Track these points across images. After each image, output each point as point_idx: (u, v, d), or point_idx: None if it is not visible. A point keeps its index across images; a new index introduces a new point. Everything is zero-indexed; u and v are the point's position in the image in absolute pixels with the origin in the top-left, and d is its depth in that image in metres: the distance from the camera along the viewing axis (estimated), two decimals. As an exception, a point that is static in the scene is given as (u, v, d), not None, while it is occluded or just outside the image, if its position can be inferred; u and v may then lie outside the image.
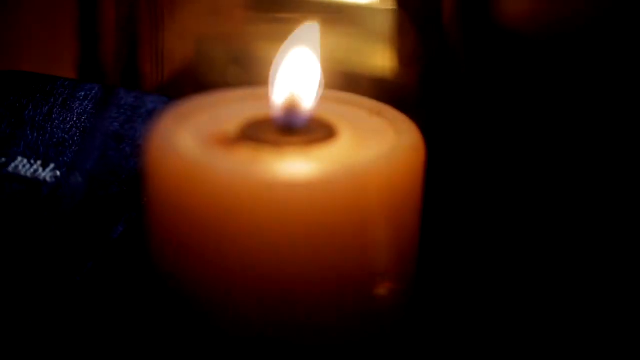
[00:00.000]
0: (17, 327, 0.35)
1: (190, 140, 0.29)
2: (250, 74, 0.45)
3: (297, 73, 0.29)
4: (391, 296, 0.28)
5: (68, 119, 0.43)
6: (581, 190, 0.38)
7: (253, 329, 0.28)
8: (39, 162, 0.41)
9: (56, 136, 0.42)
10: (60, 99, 0.44)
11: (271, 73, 0.29)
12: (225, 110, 0.31)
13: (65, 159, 0.41)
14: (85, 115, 0.44)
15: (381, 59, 0.41)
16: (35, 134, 0.42)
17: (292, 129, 0.29)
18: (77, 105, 0.44)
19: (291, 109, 0.29)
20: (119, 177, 0.41)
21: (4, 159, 0.41)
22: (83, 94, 0.45)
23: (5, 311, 0.35)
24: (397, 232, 0.28)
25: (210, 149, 0.28)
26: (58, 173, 0.41)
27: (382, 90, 0.37)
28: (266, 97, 0.31)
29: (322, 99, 0.30)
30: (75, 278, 0.37)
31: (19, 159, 0.41)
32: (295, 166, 0.27)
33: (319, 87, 0.29)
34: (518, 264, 0.37)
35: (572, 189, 0.38)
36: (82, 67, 0.60)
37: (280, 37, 0.46)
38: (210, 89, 0.33)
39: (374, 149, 0.28)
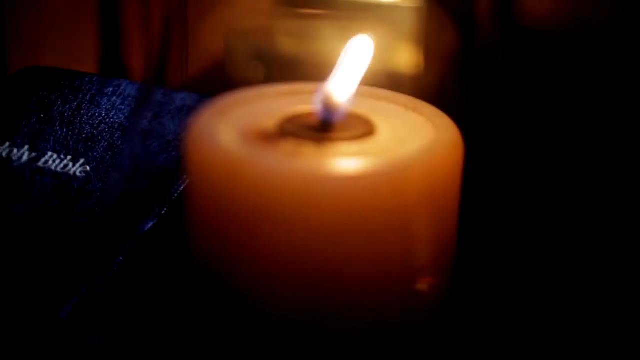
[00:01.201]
0: (46, 323, 0.35)
1: (231, 134, 0.29)
2: (276, 70, 0.46)
3: (340, 70, 0.30)
4: (431, 291, 0.28)
5: (97, 114, 0.44)
6: (611, 187, 0.38)
7: (294, 322, 0.28)
8: (68, 157, 0.41)
9: (85, 131, 0.43)
10: (89, 95, 0.45)
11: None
12: (262, 106, 0.31)
13: (95, 154, 0.42)
14: (114, 111, 0.44)
15: (410, 56, 0.42)
16: (65, 130, 0.43)
17: (331, 125, 0.29)
18: (105, 101, 0.45)
19: (331, 105, 0.29)
20: (148, 172, 0.41)
21: (34, 154, 0.42)
22: (111, 89, 0.45)
23: (36, 304, 0.35)
24: (438, 226, 0.28)
25: (251, 143, 0.29)
26: (88, 168, 0.41)
27: (413, 88, 0.37)
28: (302, 93, 0.32)
29: (358, 95, 0.30)
30: (107, 273, 0.37)
31: (49, 154, 0.42)
32: (338, 161, 0.27)
33: (358, 83, 0.30)
34: (554, 258, 0.37)
35: (598, 185, 0.38)
36: (104, 63, 0.61)
37: (306, 34, 0.47)
38: (238, 86, 0.33)
39: (415, 144, 0.28)
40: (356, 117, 0.30)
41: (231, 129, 0.29)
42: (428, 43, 0.40)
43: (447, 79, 0.35)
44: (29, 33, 0.60)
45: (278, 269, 0.27)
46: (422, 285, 0.28)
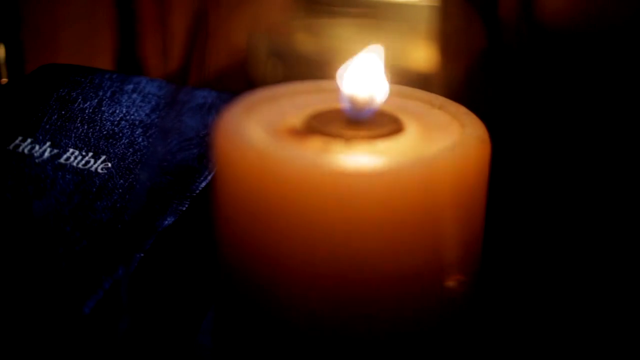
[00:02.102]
0: (70, 318, 0.35)
1: (259, 131, 0.29)
2: (295, 68, 0.46)
3: (365, 68, 0.30)
4: (459, 288, 0.28)
5: (117, 111, 0.44)
6: (638, 183, 0.38)
7: (320, 317, 0.28)
8: (90, 154, 0.42)
9: (106, 128, 0.43)
10: (109, 92, 0.45)
11: (341, 68, 0.30)
12: (288, 103, 0.31)
13: (116, 150, 0.42)
14: (134, 108, 0.44)
15: (427, 54, 0.42)
16: (86, 126, 0.43)
17: (359, 122, 0.29)
18: (125, 98, 0.45)
19: (359, 103, 0.29)
20: (166, 170, 0.41)
21: (55, 151, 0.42)
22: (131, 87, 0.45)
23: (60, 300, 0.35)
24: (466, 223, 0.28)
25: (279, 140, 0.29)
26: (109, 165, 0.41)
27: (431, 86, 0.37)
28: (327, 91, 0.32)
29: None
30: (130, 268, 0.37)
31: (70, 150, 0.42)
32: (367, 157, 0.28)
33: (387, 81, 0.30)
34: (576, 255, 0.37)
35: (623, 181, 0.38)
36: (120, 60, 0.61)
37: (325, 32, 0.47)
38: (258, 83, 0.33)
39: (442, 141, 0.29)
40: (383, 115, 0.30)
41: (259, 125, 0.30)
42: (446, 41, 0.40)
43: (467, 77, 0.35)
44: (46, 30, 0.61)
45: (306, 264, 0.28)
46: (450, 282, 0.28)
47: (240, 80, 0.47)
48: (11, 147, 0.42)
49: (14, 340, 0.34)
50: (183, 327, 0.39)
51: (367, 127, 0.29)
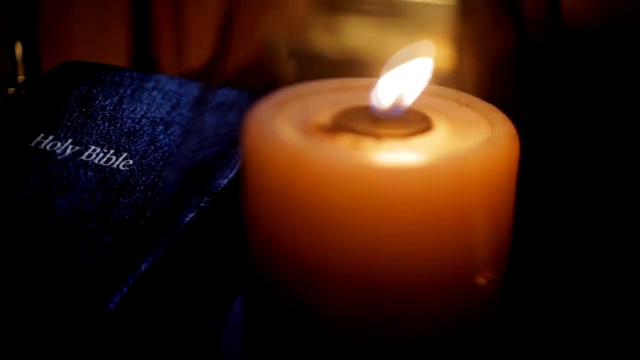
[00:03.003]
0: (94, 315, 0.35)
1: (289, 128, 0.29)
2: (313, 66, 0.46)
3: (400, 67, 0.30)
4: (489, 286, 0.29)
5: (138, 109, 0.44)
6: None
7: (351, 315, 0.28)
8: (111, 151, 0.42)
9: (127, 126, 0.43)
10: (130, 90, 0.45)
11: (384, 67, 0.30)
12: (315, 101, 0.32)
13: (138, 148, 0.42)
14: (155, 106, 0.44)
15: (446, 54, 0.42)
16: (107, 124, 0.43)
17: (388, 120, 0.29)
18: (146, 95, 0.45)
19: (390, 101, 0.29)
20: (187, 167, 0.41)
21: (77, 148, 0.42)
22: (151, 84, 0.46)
23: (80, 296, 0.35)
24: (496, 220, 0.29)
25: (310, 137, 0.29)
26: (131, 162, 0.41)
27: (457, 84, 0.37)
28: (354, 88, 0.32)
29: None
30: (153, 263, 0.37)
31: (92, 147, 0.42)
32: (400, 154, 0.28)
33: (420, 80, 0.30)
34: (605, 255, 0.37)
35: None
36: (134, 58, 0.61)
37: (343, 31, 0.47)
38: (277, 82, 0.33)
39: (472, 139, 0.29)
40: (412, 113, 0.30)
41: (288, 123, 0.30)
42: (465, 41, 0.40)
43: (493, 75, 0.35)
44: (60, 28, 0.61)
45: (337, 261, 0.28)
46: (481, 280, 0.28)
47: (258, 78, 0.47)
48: (33, 144, 0.42)
49: (37, 337, 0.34)
50: (204, 325, 0.40)
51: (397, 124, 0.29)
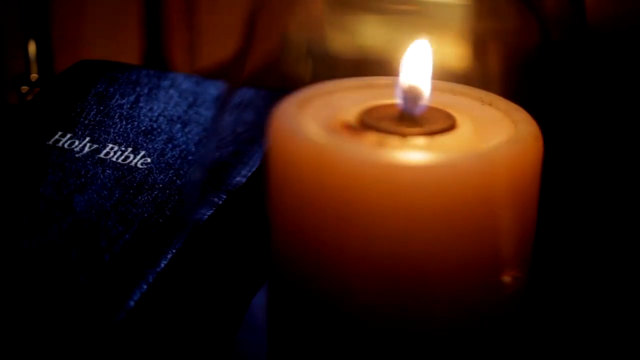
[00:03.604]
0: (111, 313, 0.35)
1: (315, 126, 0.30)
2: (329, 66, 0.46)
3: (417, 64, 0.30)
4: (513, 284, 0.29)
5: (155, 107, 0.44)
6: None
7: (377, 312, 0.29)
8: (129, 149, 0.42)
9: (144, 124, 0.43)
10: (147, 88, 0.46)
11: (401, 64, 0.30)
12: (339, 99, 0.32)
13: (155, 146, 0.42)
14: (172, 104, 0.45)
15: (462, 52, 0.42)
16: (124, 122, 0.44)
17: (412, 118, 0.30)
18: (162, 94, 0.45)
19: (412, 98, 0.30)
20: (205, 165, 0.42)
21: (95, 146, 0.42)
22: (168, 83, 0.46)
23: (101, 293, 0.36)
24: (520, 219, 0.29)
25: (335, 135, 0.29)
26: (149, 160, 0.42)
27: (475, 83, 0.38)
28: (377, 87, 0.33)
29: (436, 89, 0.31)
30: (172, 262, 0.38)
31: (110, 145, 0.42)
32: (426, 152, 0.28)
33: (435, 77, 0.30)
34: (628, 253, 0.38)
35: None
36: (147, 57, 0.61)
37: (360, 30, 0.47)
38: (294, 82, 0.34)
39: (497, 137, 0.29)
40: (436, 111, 0.30)
41: (313, 121, 0.30)
42: (487, 39, 0.40)
43: (515, 74, 0.36)
44: (72, 27, 0.61)
45: (362, 257, 0.28)
46: (506, 277, 0.29)
47: (275, 78, 0.47)
48: (51, 142, 0.42)
49: (57, 335, 0.34)
50: (223, 323, 0.40)
51: (422, 123, 0.29)
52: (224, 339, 0.40)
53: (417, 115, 0.30)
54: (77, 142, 0.42)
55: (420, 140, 0.29)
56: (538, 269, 0.31)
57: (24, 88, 0.56)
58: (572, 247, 0.35)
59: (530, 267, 0.30)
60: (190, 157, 0.42)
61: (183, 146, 0.42)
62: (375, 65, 0.45)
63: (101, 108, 0.44)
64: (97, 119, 0.44)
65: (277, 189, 0.30)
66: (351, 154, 0.28)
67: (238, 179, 0.41)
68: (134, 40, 0.61)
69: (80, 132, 0.43)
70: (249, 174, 0.42)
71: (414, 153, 0.28)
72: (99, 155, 0.42)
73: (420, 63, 0.30)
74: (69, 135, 0.43)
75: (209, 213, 0.40)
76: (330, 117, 0.30)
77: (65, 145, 0.42)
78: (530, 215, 0.29)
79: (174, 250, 0.38)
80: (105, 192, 0.40)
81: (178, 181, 0.41)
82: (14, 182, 0.40)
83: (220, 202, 0.40)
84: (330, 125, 0.30)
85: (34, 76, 0.56)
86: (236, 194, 0.41)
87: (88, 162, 0.41)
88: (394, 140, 0.29)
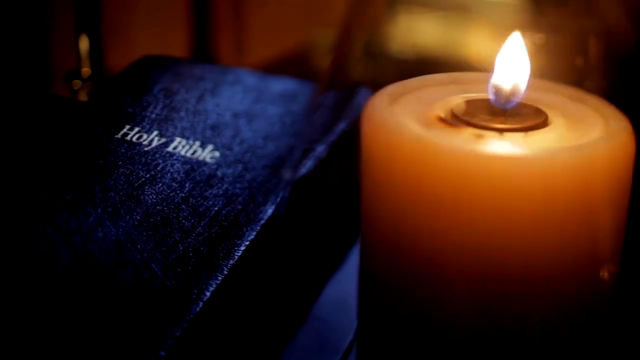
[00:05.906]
0: (187, 305, 0.36)
1: (410, 120, 0.30)
2: (386, 64, 0.47)
3: (510, 61, 0.31)
4: (610, 280, 0.29)
5: (220, 102, 0.45)
6: None
7: (471, 312, 0.29)
8: (197, 143, 0.43)
9: (210, 119, 0.44)
10: (211, 84, 0.46)
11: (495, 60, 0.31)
12: (428, 95, 0.32)
13: (223, 140, 0.43)
14: (237, 99, 0.45)
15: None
16: (191, 117, 0.44)
17: (505, 114, 0.30)
18: (227, 89, 0.46)
19: (507, 94, 0.30)
20: (264, 159, 0.42)
21: (163, 139, 0.43)
22: (232, 78, 0.46)
23: (176, 285, 0.36)
24: (615, 214, 0.29)
25: (431, 129, 0.30)
26: (217, 154, 0.42)
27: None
28: (463, 83, 0.33)
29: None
30: (245, 254, 0.38)
31: (177, 139, 0.43)
32: (526, 147, 0.29)
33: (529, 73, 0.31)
34: None
35: None
36: (195, 54, 0.62)
37: (416, 29, 0.48)
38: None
39: (591, 133, 0.30)
40: (527, 107, 0.31)
41: (407, 115, 0.30)
42: (574, 37, 0.40)
43: (600, 72, 0.36)
44: (123, 23, 0.61)
45: (462, 253, 0.28)
46: (603, 273, 0.29)
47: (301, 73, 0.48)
48: (119, 135, 0.43)
49: (129, 326, 0.35)
50: (287, 320, 0.40)
51: (516, 119, 0.30)
52: (292, 333, 0.40)
53: (508, 110, 0.30)
54: (145, 136, 0.43)
55: (516, 136, 0.29)
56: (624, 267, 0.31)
57: (77, 83, 0.57)
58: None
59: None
60: (258, 151, 0.43)
61: (250, 141, 0.43)
62: (434, 65, 0.46)
63: (167, 102, 0.45)
64: (164, 113, 0.44)
65: (372, 182, 0.30)
66: (454, 146, 0.28)
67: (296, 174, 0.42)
68: (182, 37, 0.62)
69: (147, 126, 0.43)
70: (312, 165, 0.42)
71: (514, 147, 0.29)
72: (167, 149, 0.42)
73: (516, 58, 0.31)
74: (137, 129, 0.43)
75: (273, 207, 0.40)
76: (422, 112, 0.31)
77: (134, 139, 0.43)
78: (623, 211, 0.30)
79: (247, 243, 0.38)
80: (175, 185, 0.40)
81: (247, 175, 0.41)
82: (83, 172, 0.40)
83: (286, 195, 0.41)
84: (424, 120, 0.30)
85: (86, 71, 0.57)
86: (296, 188, 0.41)
87: (157, 155, 0.42)
88: (491, 135, 0.29)
